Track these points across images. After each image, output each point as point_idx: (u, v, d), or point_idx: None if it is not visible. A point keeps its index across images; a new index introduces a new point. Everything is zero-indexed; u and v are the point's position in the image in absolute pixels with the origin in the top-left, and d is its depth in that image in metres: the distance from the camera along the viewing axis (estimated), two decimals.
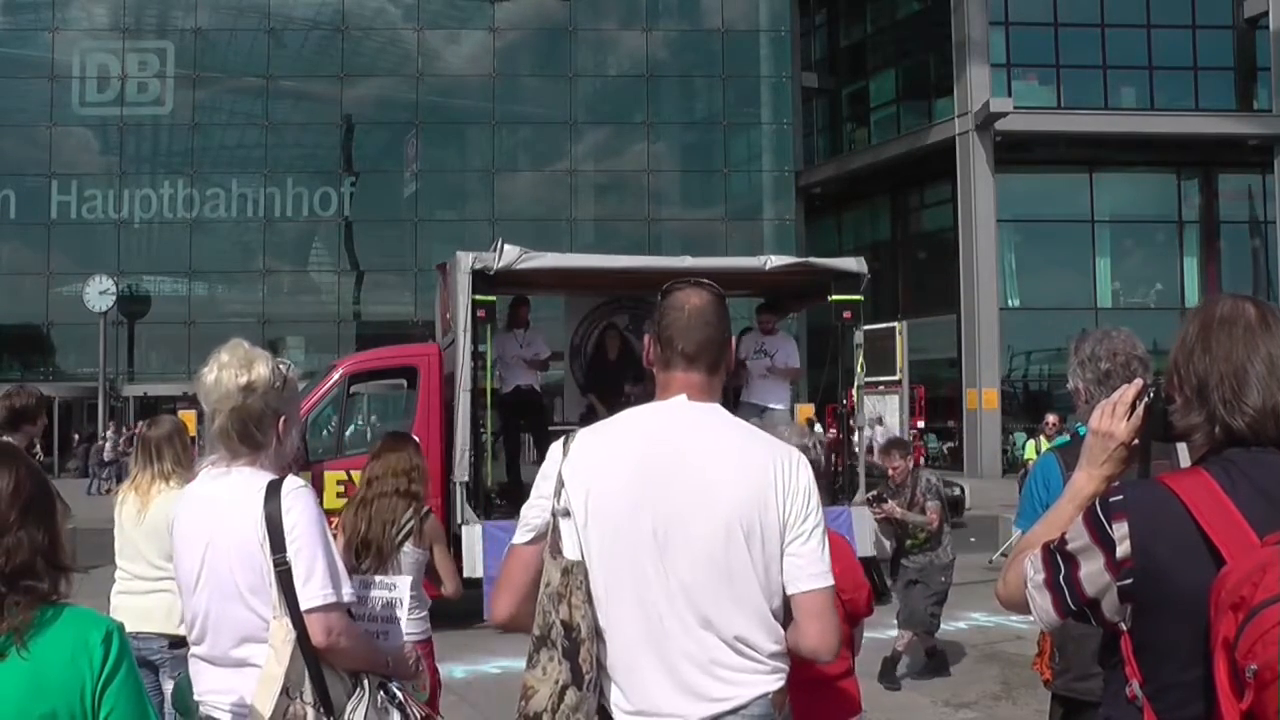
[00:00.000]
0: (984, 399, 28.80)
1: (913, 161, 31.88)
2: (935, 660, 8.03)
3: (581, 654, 2.07)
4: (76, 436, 31.86)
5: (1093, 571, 1.75)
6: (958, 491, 16.83)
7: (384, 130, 35.00)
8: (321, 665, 2.49)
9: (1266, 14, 29.68)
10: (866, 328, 11.83)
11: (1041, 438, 13.53)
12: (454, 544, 9.26)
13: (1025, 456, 18.23)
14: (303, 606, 2.44)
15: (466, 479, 9.99)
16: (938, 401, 30.07)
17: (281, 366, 2.65)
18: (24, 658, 1.74)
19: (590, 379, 11.90)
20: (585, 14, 34.39)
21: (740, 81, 34.40)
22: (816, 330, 22.98)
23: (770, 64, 34.61)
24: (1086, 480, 1.93)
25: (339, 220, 34.25)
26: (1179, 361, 1.81)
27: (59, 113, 33.16)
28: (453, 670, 7.37)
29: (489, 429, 10.81)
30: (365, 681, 2.59)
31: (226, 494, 2.55)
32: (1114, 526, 1.72)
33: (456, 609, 4.83)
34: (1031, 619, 1.90)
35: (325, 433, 11.25)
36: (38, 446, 6.11)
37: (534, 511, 2.24)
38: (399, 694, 2.65)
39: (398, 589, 2.97)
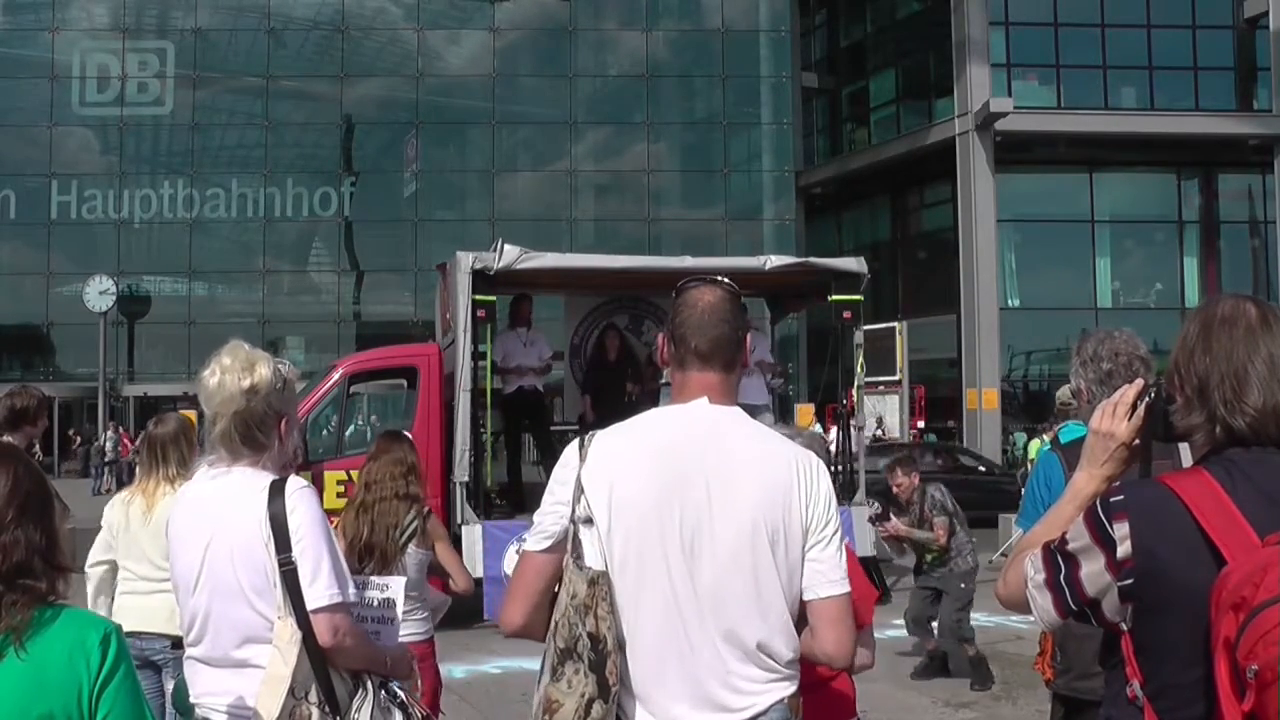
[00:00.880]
0: (984, 399, 28.79)
1: (913, 161, 31.87)
2: (935, 660, 8.03)
3: (608, 666, 2.04)
4: (79, 439, 31.85)
5: (1093, 571, 1.75)
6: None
7: (384, 130, 35.01)
8: (326, 665, 2.49)
9: (1266, 14, 29.68)
10: (866, 328, 11.84)
11: (1045, 437, 13.51)
12: (454, 544, 9.25)
13: (1029, 455, 18.14)
14: (310, 606, 2.43)
15: (466, 479, 9.99)
16: (938, 401, 30.07)
17: (281, 368, 2.64)
18: (22, 658, 1.74)
19: (590, 379, 11.91)
20: (585, 14, 34.40)
21: (740, 81, 34.40)
22: (816, 330, 22.98)
23: (770, 64, 34.62)
24: (1087, 480, 1.92)
25: (339, 220, 34.26)
26: (1180, 361, 1.81)
27: (59, 113, 33.16)
28: (453, 670, 7.37)
29: (489, 429, 10.81)
30: (368, 681, 2.59)
31: (227, 494, 2.55)
32: (1115, 526, 1.72)
33: (456, 609, 4.82)
34: (1032, 619, 1.90)
35: (325, 433, 11.26)
36: (37, 447, 6.10)
37: (550, 518, 2.18)
38: (401, 693, 2.65)
39: (391, 589, 2.97)
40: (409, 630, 4.22)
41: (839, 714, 3.40)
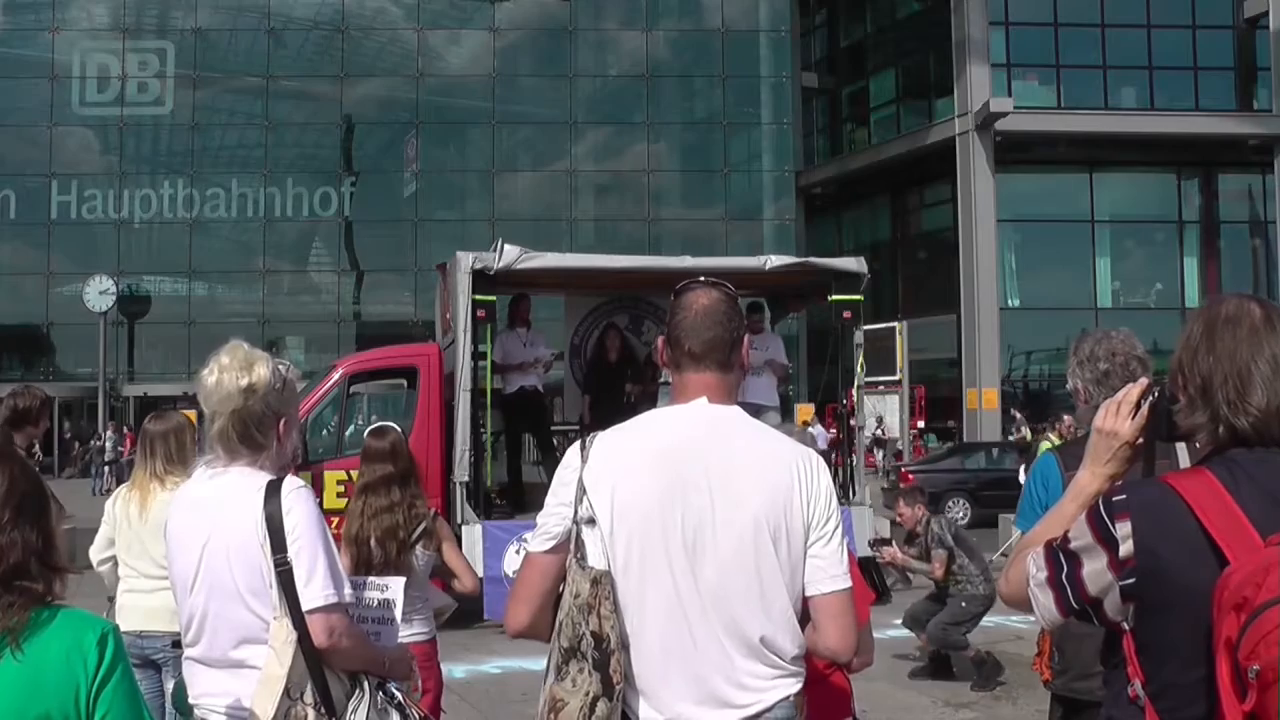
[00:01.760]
0: (984, 399, 28.80)
1: (913, 161, 31.89)
2: (935, 660, 8.04)
3: (612, 665, 2.06)
4: (77, 443, 31.82)
5: (1095, 570, 1.74)
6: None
7: (384, 130, 35.01)
8: (322, 666, 2.48)
9: (1266, 14, 29.70)
10: (866, 328, 11.82)
11: (1054, 437, 13.48)
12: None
13: (1041, 448, 18.19)
14: (305, 607, 2.43)
15: (466, 479, 9.98)
16: (938, 401, 30.10)
17: (281, 368, 2.64)
18: (19, 659, 1.73)
19: (590, 379, 11.90)
20: (585, 14, 34.40)
21: (740, 81, 34.41)
22: (816, 330, 22.97)
23: (770, 64, 34.63)
24: (1090, 479, 1.92)
25: (339, 220, 34.26)
26: (1183, 361, 1.80)
27: (59, 113, 33.17)
28: (453, 670, 7.36)
29: (489, 429, 10.81)
30: (365, 683, 2.58)
31: (224, 494, 2.54)
32: (1117, 526, 1.72)
33: (457, 609, 4.80)
34: (1032, 619, 1.89)
35: (325, 433, 11.24)
36: (37, 447, 6.09)
37: (553, 520, 2.20)
38: (398, 695, 2.65)
39: (391, 589, 2.96)
40: (412, 631, 4.22)
41: (836, 711, 3.39)
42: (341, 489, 9.28)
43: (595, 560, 2.12)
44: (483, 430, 10.44)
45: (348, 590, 2.55)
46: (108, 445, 27.20)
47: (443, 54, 34.96)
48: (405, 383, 11.56)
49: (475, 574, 4.76)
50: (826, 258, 11.66)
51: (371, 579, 3.14)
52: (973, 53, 29.70)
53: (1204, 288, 30.70)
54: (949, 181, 30.44)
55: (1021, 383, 31.93)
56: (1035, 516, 2.91)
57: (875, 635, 3.50)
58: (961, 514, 17.13)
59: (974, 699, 7.46)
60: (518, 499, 10.65)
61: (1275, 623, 1.43)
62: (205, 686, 2.57)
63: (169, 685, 4.20)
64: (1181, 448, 2.34)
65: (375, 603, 2.95)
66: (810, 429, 16.12)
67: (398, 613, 2.92)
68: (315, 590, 2.44)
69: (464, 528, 9.76)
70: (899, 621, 8.24)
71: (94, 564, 4.50)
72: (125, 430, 28.40)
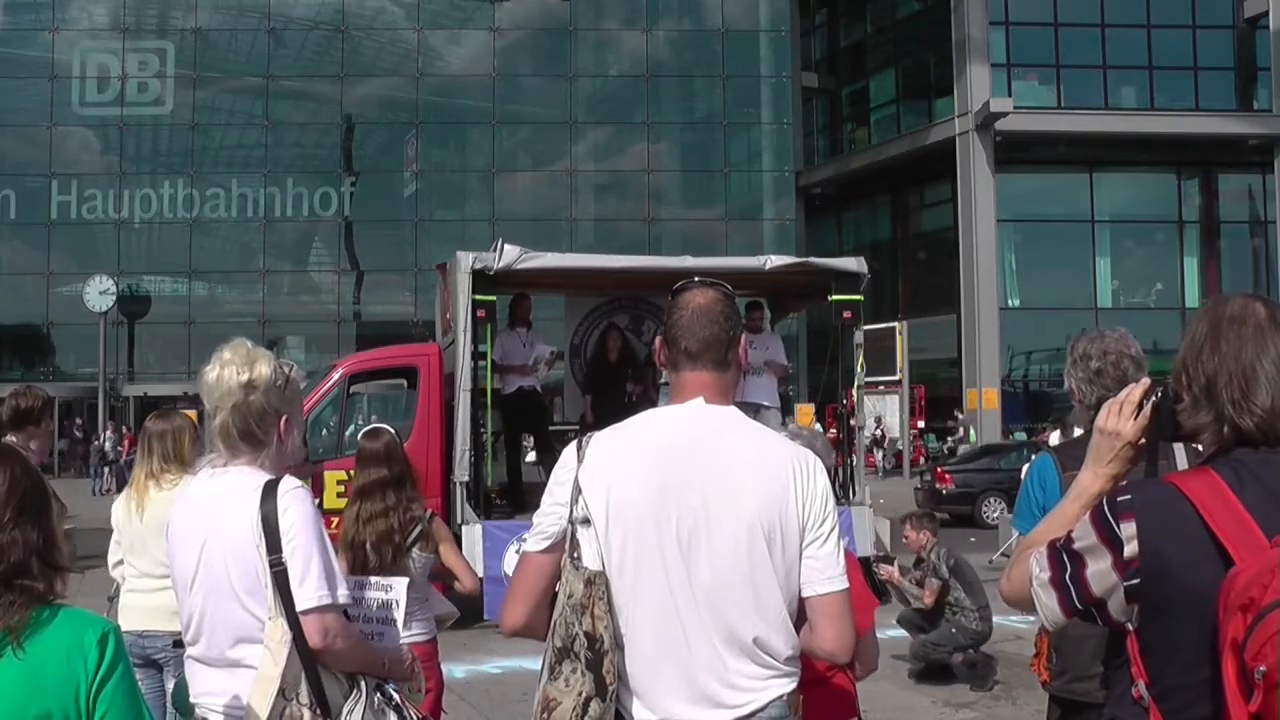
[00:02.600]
0: (984, 399, 28.80)
1: (913, 161, 31.89)
2: (930, 663, 8.05)
3: (605, 665, 2.06)
4: (77, 437, 31.80)
5: (1099, 571, 1.74)
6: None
7: (384, 130, 35.02)
8: (318, 666, 2.47)
9: (1266, 14, 29.71)
10: (866, 328, 11.82)
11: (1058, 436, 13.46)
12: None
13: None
14: (299, 607, 2.42)
15: (466, 479, 9.98)
16: (938, 401, 30.12)
17: (285, 367, 2.64)
18: (20, 658, 1.73)
19: (590, 379, 11.89)
20: (585, 14, 34.41)
21: (740, 81, 34.42)
22: (816, 330, 22.98)
23: (770, 64, 34.64)
24: (1093, 479, 1.92)
25: (339, 220, 34.26)
26: (1187, 360, 1.80)
27: (59, 113, 33.17)
28: (453, 670, 7.36)
29: (489, 429, 10.80)
30: (362, 683, 2.57)
31: (223, 493, 2.54)
32: (1121, 526, 1.71)
33: (456, 609, 4.79)
34: (1032, 619, 1.88)
35: (325, 433, 11.24)
36: (35, 446, 6.08)
37: (549, 519, 2.21)
38: (396, 696, 2.64)
39: (394, 590, 2.95)
40: (412, 632, 4.22)
41: (841, 711, 3.39)
42: (341, 489, 9.27)
43: (590, 560, 2.12)
44: (483, 430, 10.44)
45: (343, 592, 2.55)
46: (108, 445, 27.20)
47: (443, 54, 34.96)
48: (405, 383, 11.56)
49: (475, 574, 4.76)
50: (826, 258, 11.64)
51: (374, 579, 3.13)
52: (973, 53, 29.70)
53: (1204, 288, 30.71)
54: (949, 181, 30.44)
55: (1021, 383, 31.92)
56: (1033, 517, 2.91)
57: (876, 635, 3.49)
58: (998, 512, 17.31)
59: (974, 699, 7.47)
60: (518, 499, 10.65)
61: None
62: (205, 686, 2.57)
63: (170, 685, 4.20)
64: (1179, 448, 2.34)
65: (377, 603, 2.94)
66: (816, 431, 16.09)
67: (400, 614, 2.91)
68: (309, 591, 2.44)
69: (464, 528, 9.76)
70: (898, 621, 8.26)
71: (111, 573, 4.49)
72: (125, 430, 28.40)
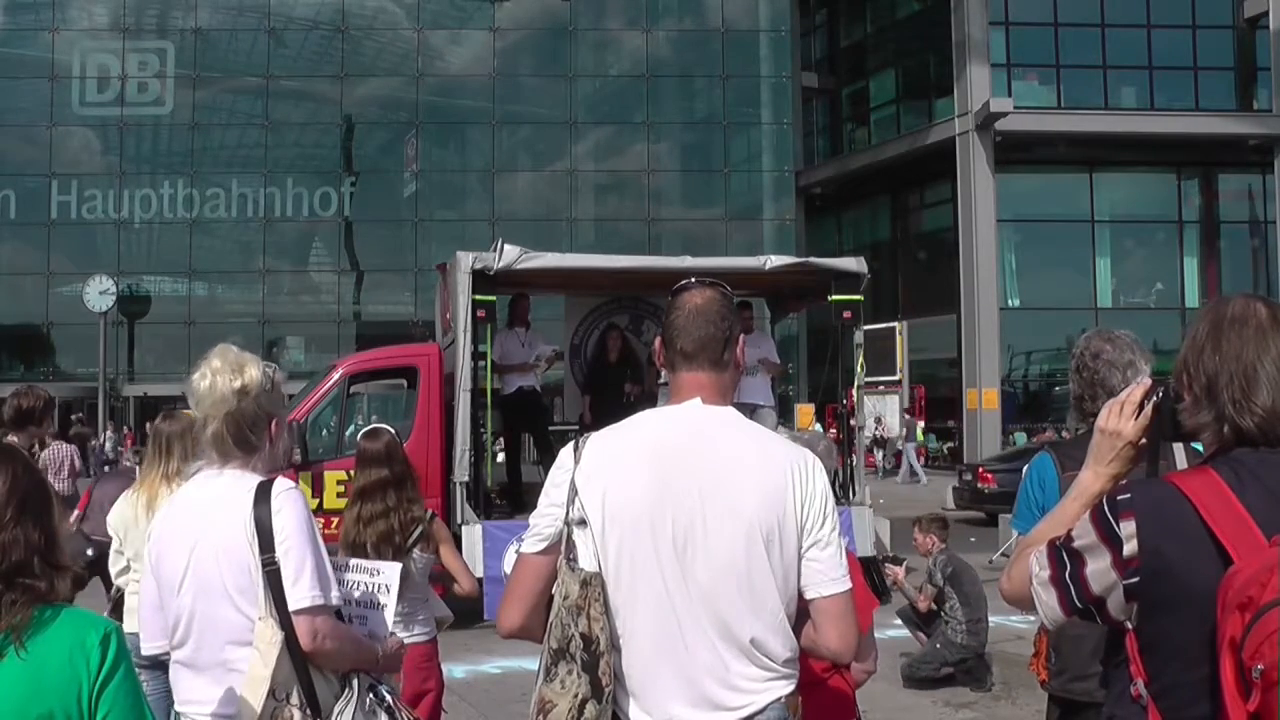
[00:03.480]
0: (984, 399, 28.79)
1: (913, 161, 31.87)
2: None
3: (601, 666, 2.06)
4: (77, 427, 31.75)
5: (1099, 569, 1.74)
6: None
7: (384, 130, 35.01)
8: (309, 667, 2.48)
9: (1266, 14, 29.69)
10: (866, 328, 11.82)
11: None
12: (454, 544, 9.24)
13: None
14: (291, 607, 2.43)
15: (466, 479, 9.98)
16: (938, 401, 30.11)
17: (268, 369, 2.66)
18: (22, 658, 1.73)
19: (590, 379, 11.90)
20: (585, 14, 34.39)
21: (740, 81, 34.40)
22: (816, 330, 22.98)
23: (770, 64, 34.62)
24: (1093, 479, 1.92)
25: (339, 220, 34.25)
26: (1188, 360, 1.80)
27: (59, 113, 33.15)
28: (453, 670, 7.36)
29: (489, 429, 10.80)
30: (355, 682, 2.58)
31: (215, 496, 2.55)
32: (1121, 525, 1.71)
33: (456, 609, 4.80)
34: (1032, 618, 1.89)
35: (325, 433, 11.24)
36: (37, 447, 6.10)
37: (545, 520, 2.20)
38: (388, 697, 2.64)
39: (383, 574, 2.92)
40: (412, 632, 4.23)
41: (840, 713, 3.39)
42: (341, 489, 9.28)
43: (586, 561, 2.12)
44: (483, 430, 10.44)
45: (335, 593, 2.55)
46: (107, 445, 27.19)
47: (443, 54, 34.95)
48: (405, 383, 11.56)
49: (473, 576, 4.76)
50: (826, 258, 11.64)
51: (357, 560, 3.10)
52: (973, 53, 29.69)
53: (1204, 288, 30.69)
54: (949, 181, 30.42)
55: (1021, 383, 31.92)
56: (1032, 517, 2.91)
57: (876, 635, 3.50)
58: None
59: (974, 699, 7.48)
60: (517, 499, 10.65)
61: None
62: (191, 693, 2.56)
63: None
64: (1179, 448, 2.34)
65: (362, 586, 2.92)
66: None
67: (391, 600, 2.89)
68: (302, 591, 2.44)
69: (464, 528, 9.77)
70: (899, 621, 8.28)
71: (116, 581, 4.46)
72: (125, 430, 28.40)
